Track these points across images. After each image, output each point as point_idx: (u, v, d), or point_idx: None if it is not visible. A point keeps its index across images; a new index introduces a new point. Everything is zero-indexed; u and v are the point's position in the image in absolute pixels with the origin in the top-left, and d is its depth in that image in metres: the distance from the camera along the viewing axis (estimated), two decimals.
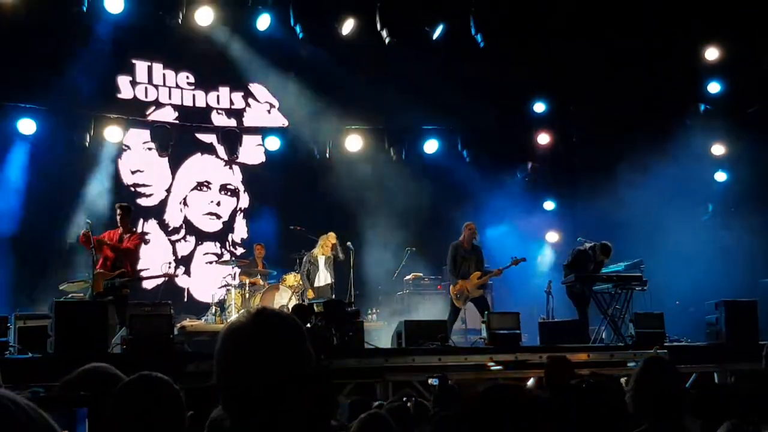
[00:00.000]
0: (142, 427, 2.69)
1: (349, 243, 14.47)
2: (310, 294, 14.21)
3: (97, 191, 15.21)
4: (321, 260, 14.44)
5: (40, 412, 1.20)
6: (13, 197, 14.73)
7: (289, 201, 16.83)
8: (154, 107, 17.08)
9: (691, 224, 16.36)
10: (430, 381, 10.99)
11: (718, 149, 17.67)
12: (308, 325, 10.94)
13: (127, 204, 12.36)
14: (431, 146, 18.06)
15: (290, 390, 2.13)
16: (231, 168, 17.96)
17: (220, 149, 17.45)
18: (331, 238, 14.43)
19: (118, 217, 11.92)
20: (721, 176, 17.75)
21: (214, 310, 14.69)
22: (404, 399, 6.62)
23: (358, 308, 12.28)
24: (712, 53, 17.41)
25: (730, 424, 3.45)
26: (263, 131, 17.66)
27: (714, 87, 17.61)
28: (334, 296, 13.72)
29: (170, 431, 2.73)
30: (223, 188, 17.90)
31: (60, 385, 3.08)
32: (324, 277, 14.35)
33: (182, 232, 17.39)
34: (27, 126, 15.08)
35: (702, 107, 17.69)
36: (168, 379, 2.83)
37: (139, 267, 16.02)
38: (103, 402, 2.69)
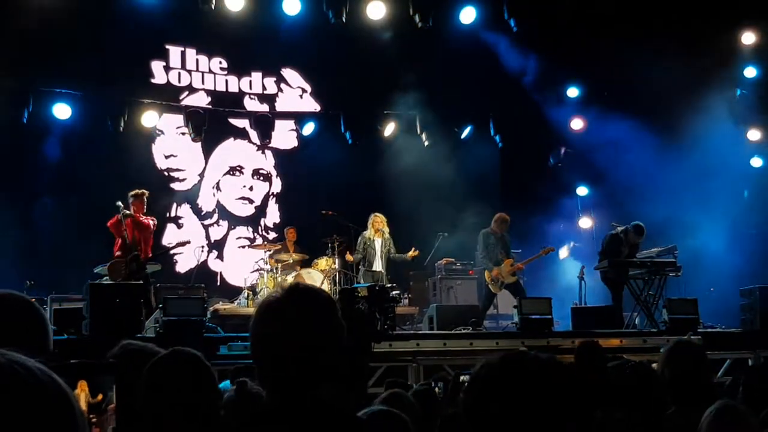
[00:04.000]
0: (174, 401, 2.74)
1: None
2: (363, 276, 14.16)
3: (131, 175, 15.30)
4: (377, 243, 14.29)
5: (52, 375, 1.20)
6: (47, 181, 14.87)
7: (322, 186, 16.85)
8: (187, 92, 17.16)
9: (726, 210, 16.18)
10: (462, 378, 11.01)
11: (754, 134, 17.46)
12: (353, 309, 11.00)
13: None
14: (465, 131, 17.99)
15: (324, 362, 2.17)
16: (263, 153, 18.02)
17: (253, 134, 17.49)
18: (378, 219, 14.31)
19: (137, 204, 12.05)
20: (757, 162, 17.55)
21: (246, 294, 14.76)
22: (432, 384, 6.63)
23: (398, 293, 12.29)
24: (748, 37, 17.20)
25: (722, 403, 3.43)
26: (296, 116, 17.69)
27: (750, 72, 17.40)
28: (386, 283, 13.67)
29: (202, 405, 2.77)
30: (256, 173, 17.96)
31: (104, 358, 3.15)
32: (379, 263, 14.24)
33: (215, 216, 17.49)
34: (62, 111, 15.21)
35: (738, 92, 17.49)
36: (199, 354, 2.88)
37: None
38: (136, 376, 2.75)
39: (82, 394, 2.54)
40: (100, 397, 2.53)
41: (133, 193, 12.35)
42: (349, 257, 14.40)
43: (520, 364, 1.81)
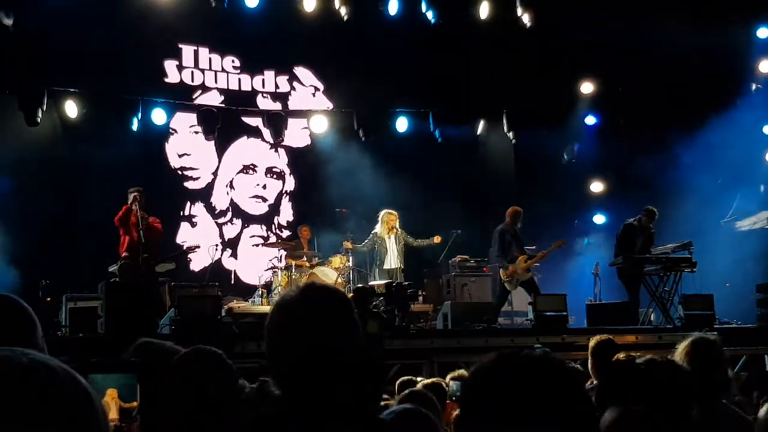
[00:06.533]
0: (196, 399, 2.74)
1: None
2: (375, 275, 14.15)
3: (144, 174, 15.33)
4: (390, 241, 14.22)
5: (74, 374, 1.20)
6: (61, 180, 14.92)
7: (335, 184, 16.84)
8: (200, 91, 17.19)
9: (742, 205, 16.12)
10: None
11: None
12: (371, 306, 11.03)
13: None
14: (478, 128, 17.94)
15: (339, 362, 2.15)
16: (277, 151, 18.04)
17: (266, 132, 17.48)
18: (391, 216, 14.27)
19: (138, 201, 11.97)
20: None
21: (260, 292, 14.78)
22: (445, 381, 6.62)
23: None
24: (763, 32, 17.11)
25: None
26: (308, 114, 17.68)
27: (766, 66, 17.31)
28: (402, 280, 13.67)
29: (223, 402, 2.78)
30: (269, 171, 17.98)
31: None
32: (393, 260, 14.18)
33: (229, 215, 17.51)
34: (72, 109, 15.21)
35: (753, 87, 17.39)
36: (221, 352, 2.89)
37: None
38: (159, 374, 2.75)
39: (111, 402, 2.55)
40: (135, 404, 2.54)
41: (136, 189, 12.22)
42: (348, 245, 14.37)
43: (513, 362, 1.79)
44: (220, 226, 17.39)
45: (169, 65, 16.96)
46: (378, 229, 14.27)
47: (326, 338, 2.14)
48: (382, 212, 14.30)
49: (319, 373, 2.13)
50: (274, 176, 18.02)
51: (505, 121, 17.82)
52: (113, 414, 2.43)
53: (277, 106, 17.72)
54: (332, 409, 2.14)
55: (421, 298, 15.30)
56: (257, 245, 17.17)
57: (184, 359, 2.87)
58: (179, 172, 17.17)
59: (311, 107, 17.89)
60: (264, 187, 17.91)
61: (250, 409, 3.30)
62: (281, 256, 15.32)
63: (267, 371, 2.33)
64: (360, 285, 13.45)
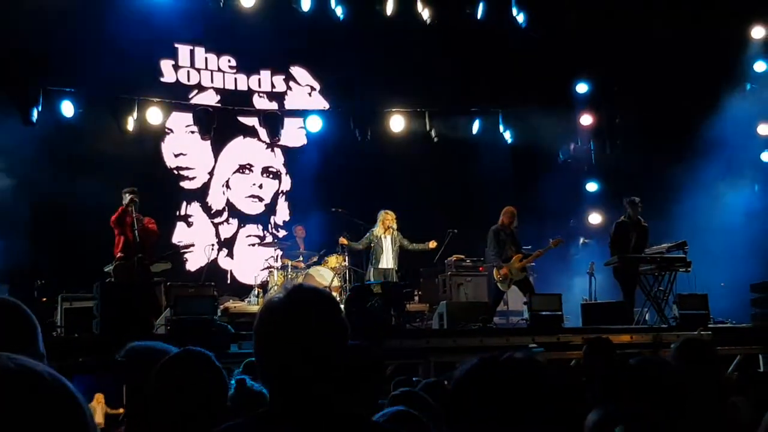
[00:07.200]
0: (184, 401, 2.74)
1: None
2: (371, 274, 14.13)
3: (140, 174, 15.31)
4: (386, 241, 14.17)
5: (61, 380, 1.21)
6: (57, 180, 14.90)
7: (331, 183, 16.85)
8: (196, 91, 17.20)
9: (737, 205, 16.13)
10: None
11: (764, 129, 17.38)
12: (367, 306, 11.03)
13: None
14: (474, 127, 17.94)
15: (326, 363, 2.16)
16: (273, 151, 18.04)
17: (262, 132, 17.49)
18: (388, 216, 14.23)
19: (134, 202, 11.91)
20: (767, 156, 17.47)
21: (256, 292, 14.77)
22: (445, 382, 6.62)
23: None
24: (758, 32, 17.13)
25: None
26: (304, 114, 17.68)
27: (760, 66, 17.32)
28: (396, 280, 13.67)
29: (211, 405, 2.78)
30: (265, 171, 17.99)
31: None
32: (388, 260, 14.14)
33: (225, 214, 17.51)
34: (68, 109, 15.19)
35: (748, 86, 17.41)
36: (210, 354, 2.89)
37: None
38: (147, 376, 2.76)
39: (98, 406, 2.55)
40: (121, 410, 2.55)
41: (131, 190, 12.15)
42: (343, 240, 14.35)
43: (495, 364, 1.79)
44: (216, 225, 17.39)
45: (165, 65, 16.96)
46: (376, 227, 14.25)
47: (312, 339, 2.14)
48: (381, 211, 14.28)
49: (308, 374, 2.13)
50: (270, 176, 18.02)
51: (501, 121, 17.83)
52: (99, 418, 2.44)
53: (273, 105, 17.73)
54: (323, 410, 2.14)
55: (417, 298, 15.31)
56: (253, 245, 17.18)
57: (172, 361, 2.87)
58: (175, 172, 17.17)
59: (307, 107, 17.90)
60: (260, 186, 17.91)
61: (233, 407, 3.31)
62: (277, 256, 15.32)
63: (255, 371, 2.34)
64: (357, 284, 13.47)
